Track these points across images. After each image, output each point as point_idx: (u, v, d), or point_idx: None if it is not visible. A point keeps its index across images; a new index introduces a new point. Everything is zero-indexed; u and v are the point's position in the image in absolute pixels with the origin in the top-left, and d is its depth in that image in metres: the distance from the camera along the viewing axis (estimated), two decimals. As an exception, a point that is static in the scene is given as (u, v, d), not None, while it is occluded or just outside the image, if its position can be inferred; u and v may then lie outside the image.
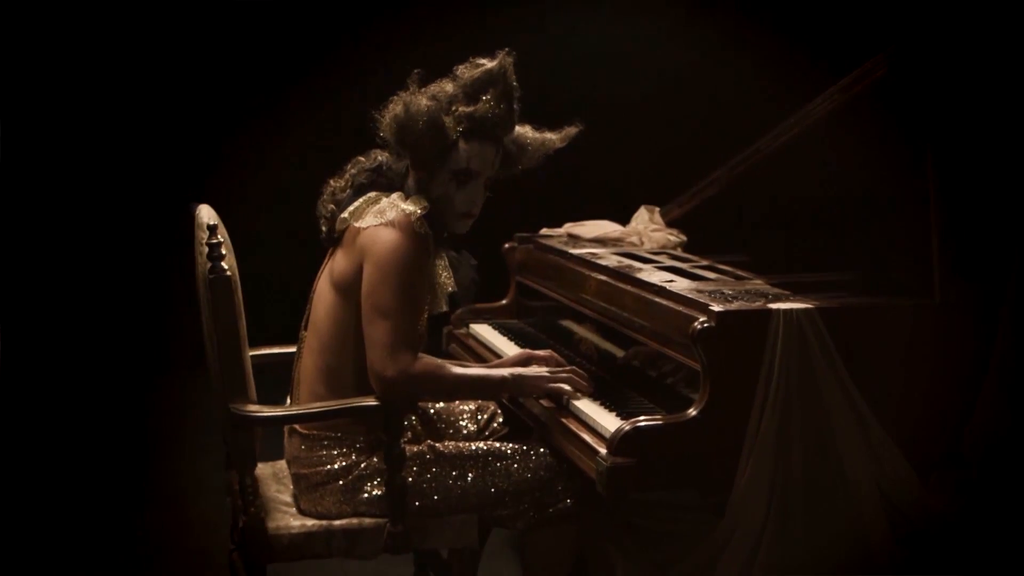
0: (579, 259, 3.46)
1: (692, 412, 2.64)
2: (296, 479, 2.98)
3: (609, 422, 2.74)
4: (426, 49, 2.98)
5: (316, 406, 2.90)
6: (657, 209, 3.85)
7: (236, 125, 6.14)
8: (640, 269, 3.22)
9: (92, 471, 4.99)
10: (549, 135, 3.02)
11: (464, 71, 2.90)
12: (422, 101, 2.84)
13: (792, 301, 2.77)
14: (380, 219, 2.86)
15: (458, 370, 2.92)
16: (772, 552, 2.67)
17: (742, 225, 3.55)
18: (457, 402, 3.25)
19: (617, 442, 2.61)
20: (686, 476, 2.70)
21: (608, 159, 6.36)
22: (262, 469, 3.20)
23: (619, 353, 3.20)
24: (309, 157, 3.03)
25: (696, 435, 2.63)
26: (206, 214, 2.92)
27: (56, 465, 5.05)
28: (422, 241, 2.87)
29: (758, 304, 2.74)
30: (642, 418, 2.66)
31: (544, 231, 3.96)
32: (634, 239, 3.77)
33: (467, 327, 3.83)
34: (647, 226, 3.78)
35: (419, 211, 2.88)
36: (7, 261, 5.89)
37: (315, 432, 2.92)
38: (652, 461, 2.61)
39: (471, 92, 2.87)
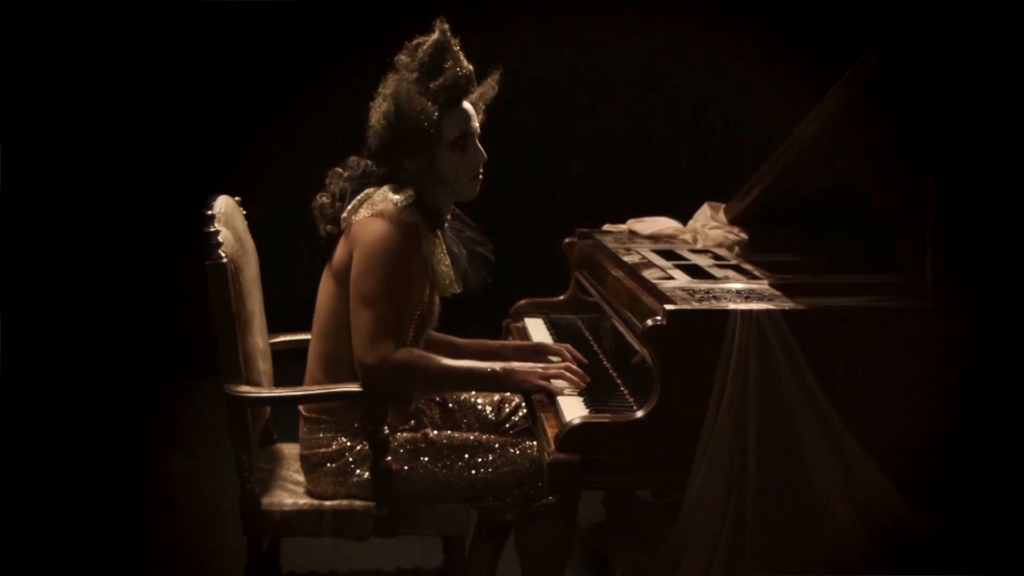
0: (609, 254, 3.44)
1: (639, 413, 2.59)
2: (301, 459, 3.10)
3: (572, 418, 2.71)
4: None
5: (301, 389, 3.03)
6: (721, 206, 3.76)
7: (271, 110, 6.22)
8: (654, 266, 3.16)
9: (141, 451, 5.31)
10: (482, 88, 3.06)
11: (409, 56, 2.97)
12: (406, 93, 2.90)
13: (765, 302, 2.67)
14: (371, 210, 2.95)
15: (445, 362, 2.96)
16: (729, 557, 2.60)
17: (778, 224, 3.44)
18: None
19: (562, 437, 2.59)
20: (635, 477, 2.65)
21: (683, 152, 6.29)
22: (289, 449, 3.35)
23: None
24: (355, 140, 3.13)
25: (644, 436, 2.58)
26: (218, 204, 3.08)
27: (100, 448, 5.35)
28: (409, 231, 2.94)
29: (718, 304, 2.66)
30: (592, 416, 2.63)
31: (606, 227, 3.93)
32: (688, 236, 3.70)
33: (523, 320, 3.85)
34: (705, 223, 3.71)
35: (407, 201, 2.94)
36: (47, 259, 6.05)
37: (314, 415, 3.04)
38: (597, 459, 2.58)
39: (432, 68, 2.94)
